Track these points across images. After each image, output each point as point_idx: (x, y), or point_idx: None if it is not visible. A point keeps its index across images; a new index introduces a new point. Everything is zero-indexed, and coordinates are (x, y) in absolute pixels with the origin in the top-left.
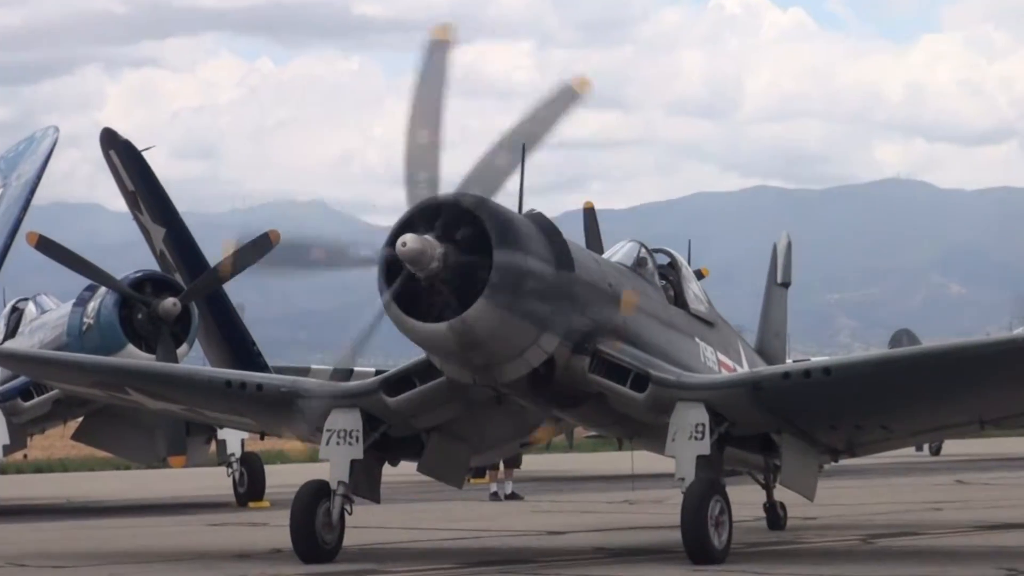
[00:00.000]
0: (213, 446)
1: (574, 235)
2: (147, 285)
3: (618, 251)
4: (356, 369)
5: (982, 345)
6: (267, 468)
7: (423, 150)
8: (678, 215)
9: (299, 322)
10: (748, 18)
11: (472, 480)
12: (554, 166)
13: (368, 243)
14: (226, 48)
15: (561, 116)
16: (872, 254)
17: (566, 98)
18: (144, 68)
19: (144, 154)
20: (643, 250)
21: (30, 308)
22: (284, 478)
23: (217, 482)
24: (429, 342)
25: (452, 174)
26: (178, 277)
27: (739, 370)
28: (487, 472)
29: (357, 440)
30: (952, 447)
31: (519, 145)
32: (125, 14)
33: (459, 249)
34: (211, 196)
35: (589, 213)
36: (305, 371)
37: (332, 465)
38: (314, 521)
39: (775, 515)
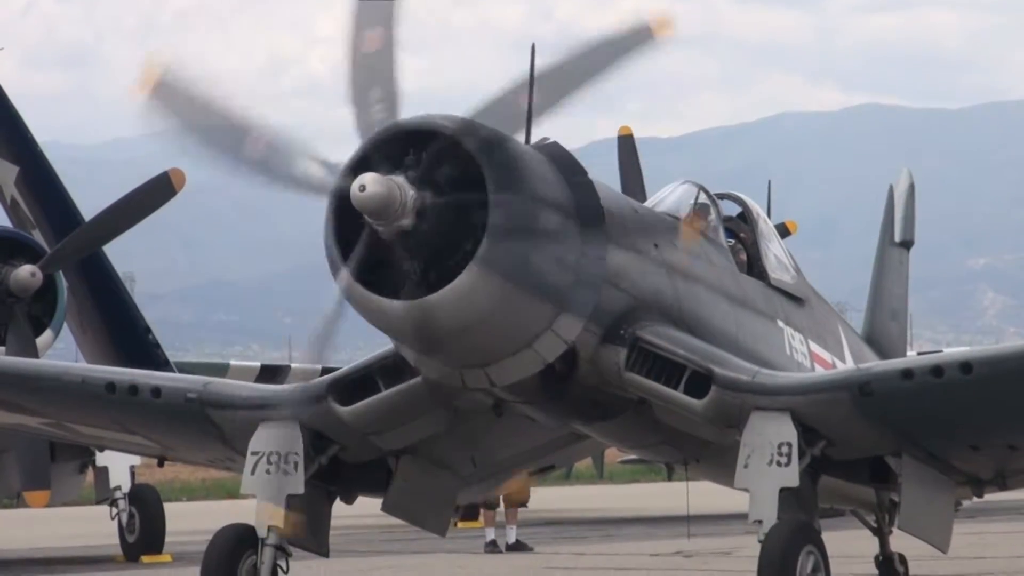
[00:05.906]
0: (90, 476)
1: (605, 174)
2: None
3: (667, 197)
4: (293, 366)
5: None
6: (168, 507)
7: (374, 57)
8: (752, 145)
9: (212, 298)
10: None
11: (460, 523)
12: None
13: (321, 165)
14: None
15: (623, 61)
16: None
17: (636, 40)
18: None
19: None
20: (703, 195)
21: None
22: (192, 521)
23: (97, 527)
24: (386, 325)
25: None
26: (37, 236)
27: (840, 366)
28: (481, 513)
29: (296, 467)
30: None
31: (555, 86)
32: None
33: (438, 195)
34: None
35: (626, 142)
36: (223, 369)
37: (260, 503)
38: None
39: (892, 572)
